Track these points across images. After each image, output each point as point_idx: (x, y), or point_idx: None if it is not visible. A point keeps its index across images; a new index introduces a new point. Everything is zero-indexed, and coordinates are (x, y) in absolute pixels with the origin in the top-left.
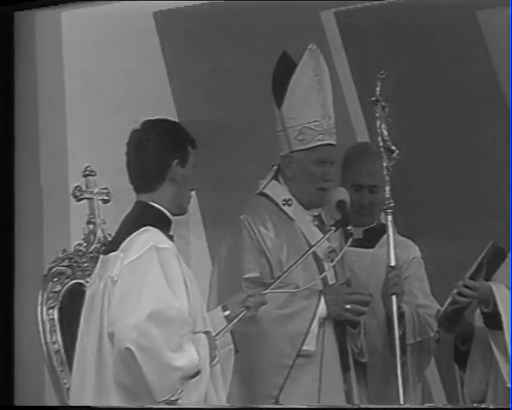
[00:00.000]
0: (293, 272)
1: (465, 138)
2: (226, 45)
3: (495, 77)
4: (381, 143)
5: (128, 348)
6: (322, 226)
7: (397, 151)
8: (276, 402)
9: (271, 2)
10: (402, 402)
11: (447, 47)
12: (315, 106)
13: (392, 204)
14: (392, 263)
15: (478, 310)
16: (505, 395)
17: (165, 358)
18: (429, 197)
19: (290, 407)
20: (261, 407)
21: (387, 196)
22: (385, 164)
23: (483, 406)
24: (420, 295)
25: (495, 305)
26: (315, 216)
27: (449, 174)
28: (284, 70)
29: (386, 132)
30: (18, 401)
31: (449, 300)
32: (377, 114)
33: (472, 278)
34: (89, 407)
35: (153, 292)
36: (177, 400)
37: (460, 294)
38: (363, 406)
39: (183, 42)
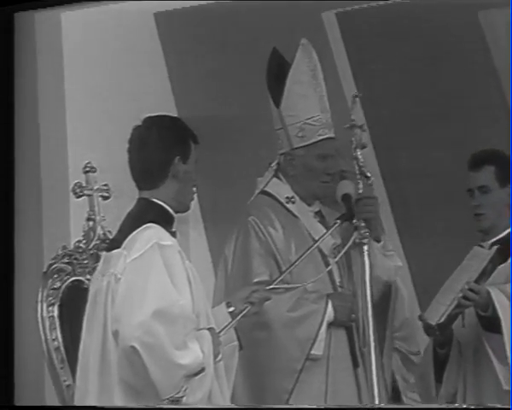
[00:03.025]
0: (302, 270)
1: (465, 138)
2: (227, 46)
3: (496, 77)
4: (357, 169)
5: (133, 347)
6: (323, 222)
7: (372, 178)
8: None
9: (273, 3)
10: (377, 402)
11: (448, 47)
12: (313, 101)
13: (367, 233)
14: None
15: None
16: (475, 397)
17: (170, 356)
18: (424, 195)
19: (291, 407)
20: (262, 407)
21: (362, 224)
22: (360, 190)
23: (481, 406)
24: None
25: (493, 309)
26: (316, 212)
27: (447, 174)
28: (277, 68)
29: (361, 158)
30: (18, 401)
31: (454, 303)
32: (353, 139)
33: (476, 282)
34: (90, 406)
35: (157, 290)
36: (181, 397)
37: (465, 298)
38: (367, 406)
39: (183, 40)
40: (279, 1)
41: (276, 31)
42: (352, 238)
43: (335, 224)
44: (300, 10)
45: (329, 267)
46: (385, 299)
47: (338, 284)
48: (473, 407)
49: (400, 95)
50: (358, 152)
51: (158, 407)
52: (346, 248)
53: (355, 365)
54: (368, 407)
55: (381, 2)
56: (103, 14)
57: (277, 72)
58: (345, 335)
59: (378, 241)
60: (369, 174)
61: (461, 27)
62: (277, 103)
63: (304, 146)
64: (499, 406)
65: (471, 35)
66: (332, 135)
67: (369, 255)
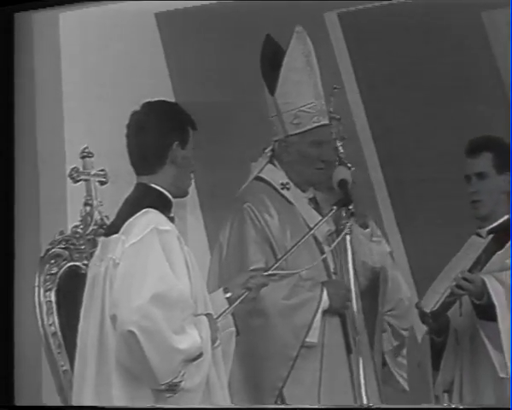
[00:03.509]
0: (297, 257)
1: (466, 132)
2: (227, 44)
3: (499, 77)
4: (337, 160)
5: (131, 331)
6: (318, 208)
7: (352, 168)
8: (280, 394)
9: (274, 3)
10: (365, 401)
11: (451, 47)
12: (307, 88)
13: (349, 224)
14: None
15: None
16: (472, 385)
17: (168, 340)
18: (422, 184)
19: (291, 407)
20: (262, 407)
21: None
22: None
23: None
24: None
25: (488, 297)
26: (310, 199)
27: (447, 164)
28: (271, 55)
29: (341, 149)
30: (18, 401)
31: (448, 292)
32: (332, 131)
33: (470, 271)
34: (89, 406)
35: (155, 274)
36: (179, 382)
37: (458, 286)
38: (364, 405)
39: (182, 35)
40: (281, 1)
41: (278, 31)
42: (349, 224)
43: (332, 210)
44: (302, 10)
45: (324, 255)
46: (373, 285)
47: (332, 270)
48: (472, 407)
49: (403, 93)
50: (338, 143)
51: (158, 407)
52: (342, 235)
53: (348, 351)
54: (364, 406)
55: (384, 2)
56: (101, 13)
57: (271, 59)
58: (339, 322)
59: (365, 227)
60: (349, 165)
61: (464, 27)
62: (272, 91)
63: (299, 133)
64: (499, 406)
65: (474, 35)
66: (326, 122)
67: (351, 242)
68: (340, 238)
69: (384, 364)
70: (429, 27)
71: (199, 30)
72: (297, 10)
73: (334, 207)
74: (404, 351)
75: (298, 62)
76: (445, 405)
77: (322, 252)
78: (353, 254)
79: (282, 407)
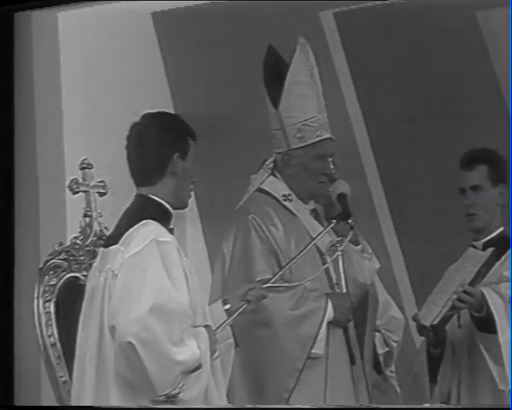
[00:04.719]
0: (301, 268)
1: (462, 138)
2: (224, 45)
3: (494, 77)
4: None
5: (129, 342)
6: (319, 220)
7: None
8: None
9: (270, 3)
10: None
11: (446, 47)
12: (311, 102)
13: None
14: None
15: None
16: (469, 397)
17: (167, 352)
18: (421, 194)
19: (292, 407)
20: (262, 406)
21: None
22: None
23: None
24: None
25: (488, 309)
26: (311, 210)
27: (444, 173)
28: (274, 67)
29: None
30: (17, 401)
31: (448, 305)
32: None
33: (470, 284)
34: (89, 406)
35: (154, 286)
36: (178, 393)
37: (459, 300)
38: (366, 406)
39: (180, 39)
40: (276, 1)
41: (274, 30)
42: (348, 238)
43: (331, 223)
44: (298, 10)
45: (325, 266)
46: (363, 301)
47: (335, 281)
48: (472, 407)
49: (398, 94)
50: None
51: (158, 407)
52: (343, 246)
53: (352, 363)
54: (365, 406)
55: (379, 2)
56: (100, 13)
57: (274, 71)
58: (342, 334)
59: (356, 244)
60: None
61: (459, 27)
62: (275, 104)
63: (302, 147)
64: (498, 406)
65: (469, 35)
66: (329, 135)
67: (343, 259)
68: (340, 250)
69: (380, 372)
70: (424, 27)
71: (195, 29)
72: (293, 10)
73: (334, 221)
74: (393, 367)
75: (302, 76)
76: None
77: (325, 263)
78: (345, 270)
79: (282, 407)
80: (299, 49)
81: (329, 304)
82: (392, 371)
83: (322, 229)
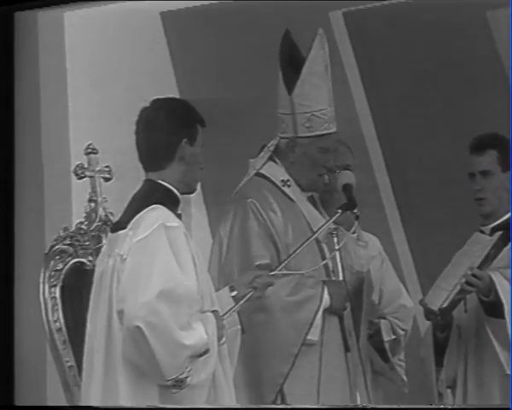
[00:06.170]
0: (299, 256)
1: (470, 130)
2: (232, 45)
3: (504, 76)
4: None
5: (138, 326)
6: (316, 206)
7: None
8: (281, 390)
9: (280, 3)
10: (359, 402)
11: (456, 46)
12: (323, 93)
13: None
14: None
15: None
16: (475, 381)
17: (175, 336)
18: (426, 182)
19: (292, 407)
20: (263, 407)
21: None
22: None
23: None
24: (383, 299)
25: (496, 294)
26: (308, 197)
27: (451, 162)
28: (291, 52)
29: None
30: (18, 401)
31: (457, 289)
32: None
33: (479, 268)
34: (88, 406)
35: (162, 270)
36: (185, 378)
37: (468, 283)
38: (363, 405)
39: (187, 33)
40: (286, 0)
41: (283, 29)
42: (353, 228)
43: (337, 213)
44: (307, 9)
45: (326, 261)
46: (358, 288)
47: (331, 269)
48: (472, 407)
49: (407, 92)
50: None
51: (158, 407)
52: (343, 242)
53: (346, 350)
54: (361, 406)
55: (387, 2)
56: (105, 12)
57: (290, 56)
58: (337, 321)
59: (352, 232)
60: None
61: (468, 26)
62: (290, 89)
63: (308, 136)
64: (499, 405)
65: (479, 34)
66: (335, 130)
67: (339, 244)
68: (342, 243)
69: (387, 361)
70: (434, 27)
71: (203, 29)
72: (302, 9)
73: (339, 211)
74: (402, 355)
75: (318, 66)
76: (448, 405)
77: (322, 250)
78: (341, 258)
79: (282, 407)
80: (317, 40)
81: (326, 291)
82: (400, 360)
83: (319, 215)
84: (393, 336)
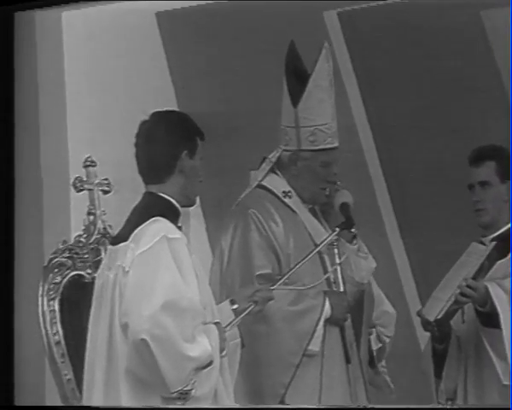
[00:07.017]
0: (300, 267)
1: (467, 136)
2: (227, 45)
3: (499, 75)
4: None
5: (143, 339)
6: (317, 218)
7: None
8: (282, 401)
9: (274, 3)
10: (351, 402)
11: (450, 46)
12: (327, 108)
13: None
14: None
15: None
16: (475, 392)
17: (180, 348)
18: (425, 191)
19: (292, 407)
20: (263, 407)
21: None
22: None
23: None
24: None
25: (492, 304)
26: (310, 209)
27: (449, 170)
28: (296, 64)
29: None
30: (18, 401)
31: (452, 300)
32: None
33: (474, 278)
34: (88, 407)
35: (166, 282)
36: (190, 390)
37: (463, 294)
38: (364, 405)
39: (184, 38)
40: (281, 1)
41: (278, 30)
42: (353, 247)
43: (334, 231)
44: (302, 9)
45: (327, 275)
46: (359, 300)
47: (332, 280)
48: (471, 407)
49: (402, 93)
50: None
51: (158, 407)
52: (345, 256)
53: (347, 361)
54: (361, 406)
55: (382, 2)
56: (104, 13)
57: (295, 68)
58: (338, 332)
59: (353, 243)
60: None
61: (463, 26)
62: (295, 102)
63: (311, 150)
64: (499, 405)
65: (473, 34)
66: (337, 144)
67: (340, 256)
68: (343, 258)
69: (373, 367)
70: (428, 27)
71: (200, 29)
72: (297, 9)
73: (337, 229)
74: (384, 362)
75: (323, 81)
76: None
77: (323, 261)
78: (342, 269)
79: (282, 407)
80: (324, 54)
81: (327, 302)
82: (383, 366)
83: (320, 226)
84: (380, 345)
